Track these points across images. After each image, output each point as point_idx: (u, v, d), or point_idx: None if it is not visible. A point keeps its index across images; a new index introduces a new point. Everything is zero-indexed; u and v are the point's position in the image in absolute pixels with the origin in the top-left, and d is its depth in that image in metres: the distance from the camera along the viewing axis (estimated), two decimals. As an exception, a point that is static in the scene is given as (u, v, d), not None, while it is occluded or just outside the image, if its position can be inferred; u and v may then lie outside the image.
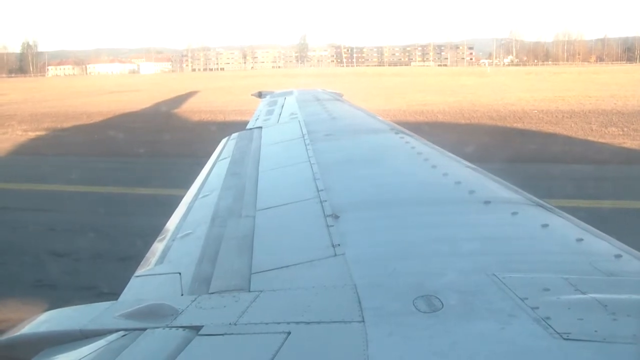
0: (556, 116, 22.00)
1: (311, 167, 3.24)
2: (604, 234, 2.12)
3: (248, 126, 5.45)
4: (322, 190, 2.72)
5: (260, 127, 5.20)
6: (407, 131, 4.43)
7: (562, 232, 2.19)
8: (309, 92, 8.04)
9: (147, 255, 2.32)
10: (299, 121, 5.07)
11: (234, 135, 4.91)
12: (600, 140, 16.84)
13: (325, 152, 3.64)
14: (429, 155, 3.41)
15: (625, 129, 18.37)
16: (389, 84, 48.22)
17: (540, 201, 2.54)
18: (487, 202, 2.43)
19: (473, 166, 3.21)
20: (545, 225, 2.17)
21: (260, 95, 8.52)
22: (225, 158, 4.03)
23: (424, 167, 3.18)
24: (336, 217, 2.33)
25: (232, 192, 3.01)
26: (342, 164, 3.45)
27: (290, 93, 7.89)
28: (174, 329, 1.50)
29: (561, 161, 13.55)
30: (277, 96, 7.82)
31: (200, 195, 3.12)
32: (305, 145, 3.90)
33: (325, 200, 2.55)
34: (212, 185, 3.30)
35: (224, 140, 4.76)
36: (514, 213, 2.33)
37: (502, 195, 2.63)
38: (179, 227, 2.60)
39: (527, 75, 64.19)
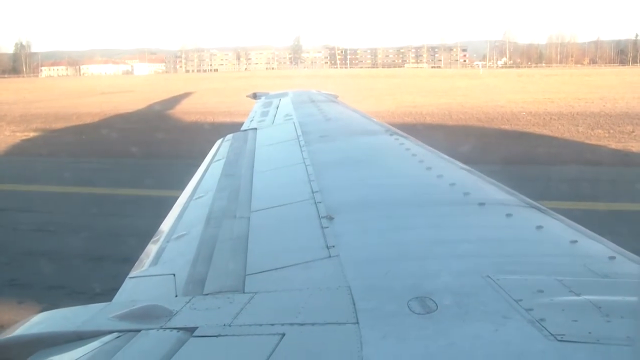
0: (544, 118, 22.13)
1: (306, 168, 3.23)
2: (598, 236, 2.13)
3: (243, 127, 5.44)
4: (316, 191, 2.72)
5: (255, 129, 5.19)
6: (402, 133, 4.43)
7: (556, 233, 2.20)
8: (303, 94, 8.03)
9: (142, 256, 2.31)
10: (293, 122, 5.06)
11: (229, 136, 4.90)
12: (586, 142, 16.96)
13: (320, 154, 3.64)
14: (424, 156, 3.42)
15: (612, 131, 18.50)
16: (381, 86, 48.30)
17: (535, 203, 2.55)
18: (481, 204, 2.44)
19: (468, 168, 3.22)
20: (539, 227, 2.18)
21: (255, 96, 8.52)
22: (220, 159, 4.02)
23: (418, 168, 3.19)
24: (331, 218, 2.33)
25: (227, 193, 3.00)
26: (337, 165, 3.45)
27: (285, 94, 7.88)
28: (168, 330, 1.49)
29: (544, 163, 13.58)
30: (272, 97, 7.82)
31: (194, 197, 3.11)
32: (300, 146, 3.90)
33: (320, 202, 2.54)
34: (206, 187, 3.29)
35: (218, 142, 4.74)
36: (509, 215, 2.33)
37: (497, 197, 2.64)
38: (173, 228, 2.59)
39: (519, 77, 64.50)
